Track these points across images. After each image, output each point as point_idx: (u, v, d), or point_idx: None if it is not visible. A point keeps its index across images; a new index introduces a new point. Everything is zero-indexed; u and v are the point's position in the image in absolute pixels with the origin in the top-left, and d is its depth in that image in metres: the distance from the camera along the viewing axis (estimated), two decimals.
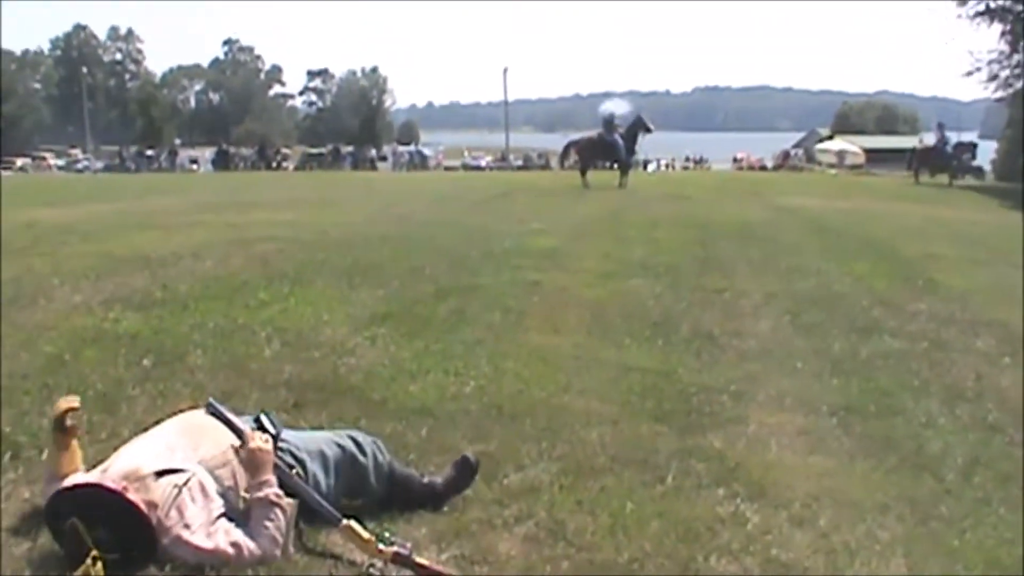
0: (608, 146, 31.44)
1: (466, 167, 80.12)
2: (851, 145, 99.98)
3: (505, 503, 6.07)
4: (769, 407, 8.48)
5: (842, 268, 15.10)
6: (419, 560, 5.02)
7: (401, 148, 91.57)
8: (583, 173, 31.16)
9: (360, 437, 5.87)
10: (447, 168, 77.05)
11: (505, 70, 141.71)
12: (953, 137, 51.47)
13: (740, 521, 6.11)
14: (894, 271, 15.17)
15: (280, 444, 5.40)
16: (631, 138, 31.85)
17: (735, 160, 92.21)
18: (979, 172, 52.62)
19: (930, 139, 53.56)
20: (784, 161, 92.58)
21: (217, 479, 5.01)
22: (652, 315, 11.47)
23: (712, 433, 7.68)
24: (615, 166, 32.88)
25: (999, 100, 61.19)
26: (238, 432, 5.25)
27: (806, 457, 7.41)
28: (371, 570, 4.99)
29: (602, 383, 8.82)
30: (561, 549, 5.54)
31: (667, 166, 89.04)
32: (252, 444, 5.14)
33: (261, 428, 5.40)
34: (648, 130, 32.84)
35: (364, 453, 5.73)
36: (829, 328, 11.34)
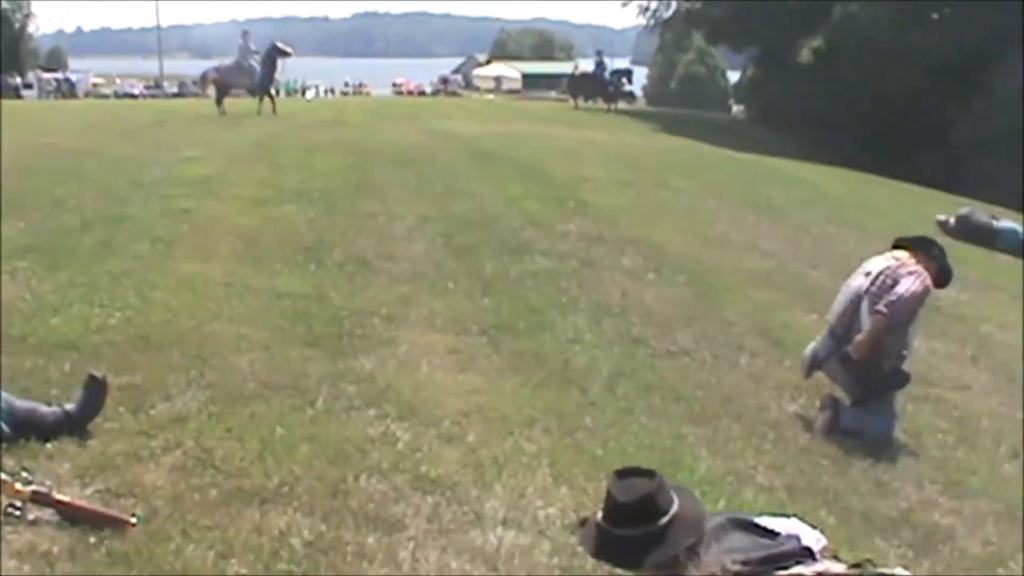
0: (246, 72, 30.87)
1: (118, 95, 77.26)
2: (509, 70, 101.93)
3: (152, 434, 5.97)
4: (420, 328, 8.62)
5: (496, 190, 15.36)
6: (60, 497, 4.87)
7: (47, 75, 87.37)
8: (219, 101, 30.59)
9: None
10: (98, 96, 74.21)
11: None
12: (609, 63, 52.90)
13: (390, 441, 6.22)
14: (546, 193, 15.52)
15: None
16: (270, 64, 31.32)
17: (394, 85, 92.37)
18: (631, 97, 54.35)
19: (588, 65, 54.99)
20: (443, 86, 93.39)
21: None
22: (305, 241, 11.42)
23: (363, 356, 7.76)
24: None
25: (652, 28, 63.37)
26: None
27: (456, 375, 7.59)
28: (10, 510, 4.81)
29: (253, 310, 8.74)
30: (209, 477, 5.52)
31: (327, 92, 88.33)
32: None
33: None
34: (286, 54, 32.29)
35: None
36: (482, 249, 11.57)
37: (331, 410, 6.63)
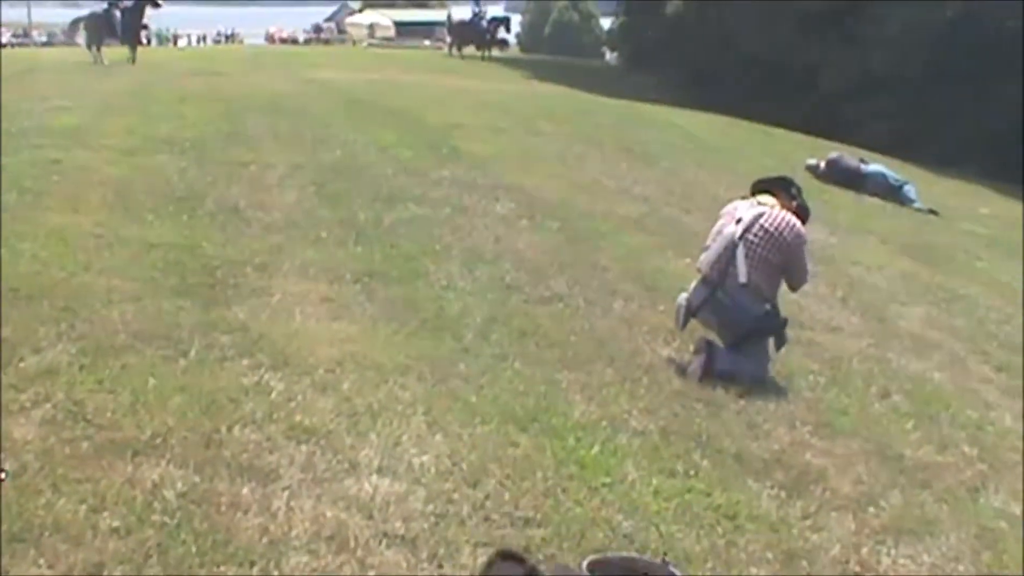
0: (110, 22, 30.10)
1: None
2: (382, 18, 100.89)
3: (21, 388, 5.89)
4: (293, 277, 8.56)
5: (368, 138, 15.25)
6: None
7: None
8: (90, 47, 29.90)
9: None
10: None
11: None
12: (486, 11, 52.67)
13: (264, 391, 6.19)
14: (419, 140, 15.46)
15: None
16: (137, 13, 30.50)
17: (268, 34, 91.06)
18: (504, 44, 54.22)
19: (461, 12, 54.79)
20: (316, 35, 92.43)
21: None
22: (177, 191, 11.24)
23: (236, 305, 7.69)
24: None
25: None
26: None
27: (330, 324, 7.57)
28: None
29: (124, 261, 8.61)
30: (81, 430, 5.46)
31: (199, 41, 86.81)
32: None
33: None
34: (156, 5, 31.44)
35: None
36: (354, 197, 11.50)
37: (204, 360, 6.57)
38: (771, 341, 7.83)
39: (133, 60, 29.35)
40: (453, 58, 46.57)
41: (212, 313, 7.47)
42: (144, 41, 32.77)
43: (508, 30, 54.51)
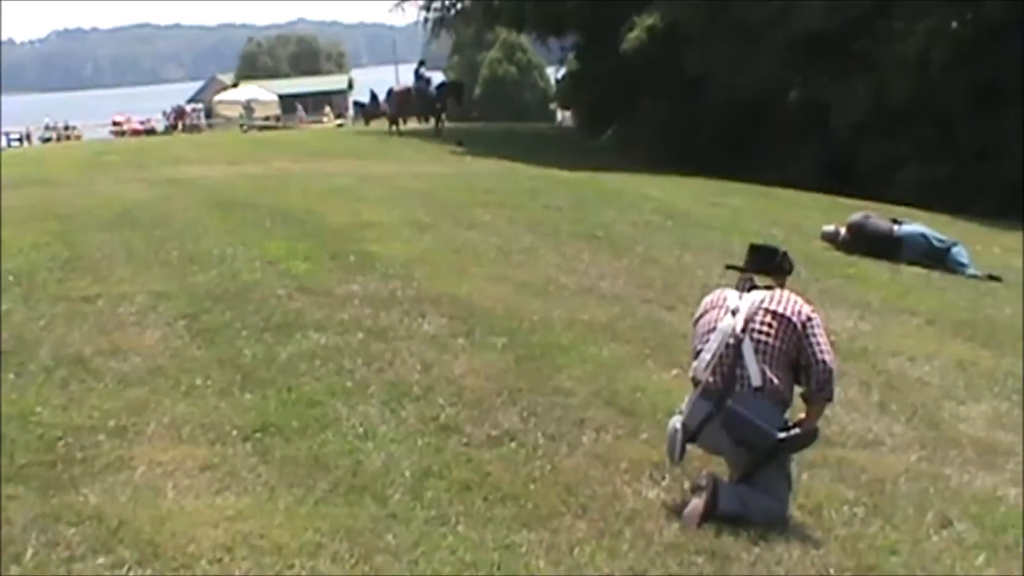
0: None
1: None
2: (263, 92, 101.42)
3: None
4: (162, 441, 8.52)
5: (252, 251, 15.21)
6: None
7: None
8: None
9: None
10: None
11: None
12: (432, 76, 52.66)
13: None
14: (319, 248, 15.44)
15: None
16: None
17: (114, 124, 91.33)
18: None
19: (364, 76, 55.53)
20: (179, 120, 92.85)
21: None
22: None
23: (86, 487, 7.62)
24: None
25: (439, 25, 64.27)
26: None
27: (213, 498, 7.52)
28: None
29: None
30: None
31: (21, 140, 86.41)
32: None
33: None
34: None
35: None
36: (238, 330, 11.45)
37: (45, 563, 6.51)
38: (792, 465, 7.82)
39: None
40: (366, 135, 46.84)
41: (53, 500, 7.39)
42: None
43: (461, 101, 54.78)
